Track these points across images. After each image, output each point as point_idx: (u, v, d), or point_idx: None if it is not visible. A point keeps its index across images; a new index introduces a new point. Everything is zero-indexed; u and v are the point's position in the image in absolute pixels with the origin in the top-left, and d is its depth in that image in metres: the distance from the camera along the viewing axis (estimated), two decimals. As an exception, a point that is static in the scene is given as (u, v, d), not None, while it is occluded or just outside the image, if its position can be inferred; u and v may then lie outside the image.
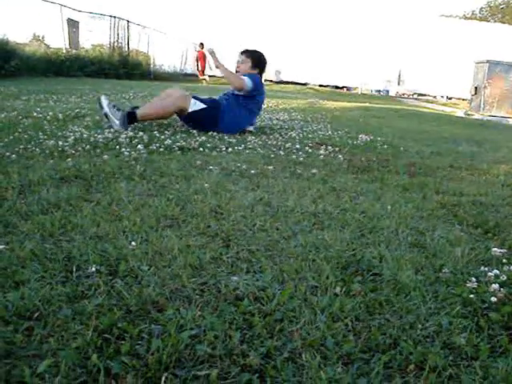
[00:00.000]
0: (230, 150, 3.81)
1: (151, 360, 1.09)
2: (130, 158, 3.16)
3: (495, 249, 1.92)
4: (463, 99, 22.72)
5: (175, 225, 2.01)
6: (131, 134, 3.95)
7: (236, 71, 4.99)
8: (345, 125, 6.75)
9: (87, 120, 4.71)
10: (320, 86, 25.32)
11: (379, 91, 25.86)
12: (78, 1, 18.75)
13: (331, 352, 1.19)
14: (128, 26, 20.94)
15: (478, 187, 3.20)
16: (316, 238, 1.95)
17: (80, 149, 3.31)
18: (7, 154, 2.97)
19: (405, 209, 2.50)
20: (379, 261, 1.76)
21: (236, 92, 4.85)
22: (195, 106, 4.59)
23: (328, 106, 11.32)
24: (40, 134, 3.72)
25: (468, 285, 1.59)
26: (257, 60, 5.05)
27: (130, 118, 4.31)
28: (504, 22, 37.71)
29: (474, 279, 1.62)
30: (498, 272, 1.68)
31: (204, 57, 20.78)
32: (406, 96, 25.82)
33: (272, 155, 3.76)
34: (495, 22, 41.97)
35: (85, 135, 3.78)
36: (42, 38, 18.57)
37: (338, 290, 1.50)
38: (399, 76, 26.63)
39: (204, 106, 4.64)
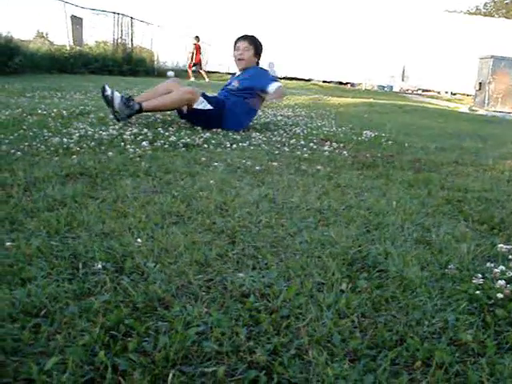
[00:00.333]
0: (234, 146, 3.81)
1: (158, 357, 1.09)
2: (135, 155, 3.16)
3: (501, 245, 1.92)
4: (467, 95, 22.65)
5: (181, 221, 2.01)
6: (136, 130, 3.96)
7: (239, 59, 4.91)
8: (349, 121, 6.75)
9: (91, 117, 4.71)
10: (324, 82, 25.28)
11: (383, 87, 25.79)
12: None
13: (338, 348, 1.19)
14: (131, 23, 20.96)
15: (483, 183, 3.19)
16: (321, 235, 1.95)
17: (85, 146, 3.31)
18: (12, 151, 2.98)
19: (410, 205, 2.50)
20: (385, 257, 1.76)
21: (239, 88, 4.80)
22: (202, 104, 4.56)
23: (332, 101, 11.30)
24: (45, 131, 3.73)
25: (474, 281, 1.59)
26: (258, 47, 4.98)
27: (133, 105, 4.38)
28: (508, 18, 37.59)
29: (480, 275, 1.61)
30: (504, 268, 1.67)
31: (199, 50, 20.75)
32: (410, 92, 25.77)
33: (277, 152, 3.76)
34: (500, 17, 41.83)
35: (89, 132, 3.79)
36: (46, 34, 18.63)
37: (344, 286, 1.50)
38: (403, 72, 26.59)
39: (210, 107, 4.59)
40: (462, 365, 1.17)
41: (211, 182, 2.63)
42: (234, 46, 4.98)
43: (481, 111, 14.29)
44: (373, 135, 5.14)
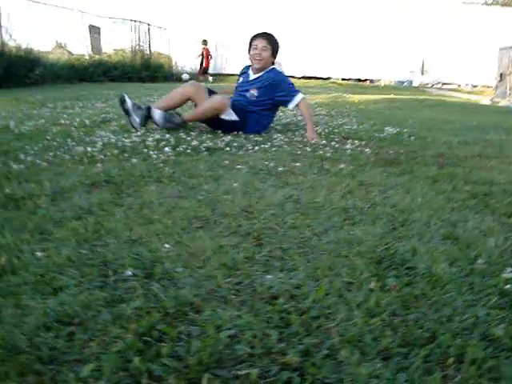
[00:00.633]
0: (256, 148, 3.82)
1: (192, 361, 1.11)
2: (159, 161, 3.19)
3: (530, 238, 1.90)
4: (488, 86, 22.41)
5: (207, 225, 2.02)
6: (158, 136, 3.98)
7: (256, 59, 4.68)
8: (370, 118, 6.71)
9: (114, 124, 4.75)
10: (343, 79, 25.19)
11: (402, 82, 25.63)
12: (99, 7, 18.96)
13: (369, 348, 1.19)
14: (149, 30, 21.09)
15: (509, 175, 3.16)
16: (348, 234, 1.95)
17: (108, 153, 3.35)
18: (38, 162, 3.02)
19: (435, 200, 2.49)
20: (412, 254, 1.75)
21: (258, 98, 4.67)
22: (229, 115, 4.53)
23: (352, 99, 11.26)
24: (68, 140, 3.77)
25: (503, 275, 1.58)
26: (276, 46, 4.78)
27: (176, 120, 4.52)
28: (527, 6, 37.09)
29: (509, 269, 1.61)
30: (533, 261, 1.66)
31: (208, 54, 20.80)
32: (430, 86, 25.57)
33: (299, 152, 3.76)
34: (518, 6, 41.29)
35: (112, 140, 3.83)
36: (65, 45, 18.80)
37: (372, 285, 1.50)
38: (422, 66, 26.39)
39: (237, 118, 4.55)
40: (495, 360, 1.17)
41: (235, 184, 2.64)
42: (250, 44, 4.76)
43: (503, 102, 14.14)
44: (394, 131, 5.11)
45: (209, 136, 4.26)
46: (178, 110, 4.78)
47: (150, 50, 21.06)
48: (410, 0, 25.68)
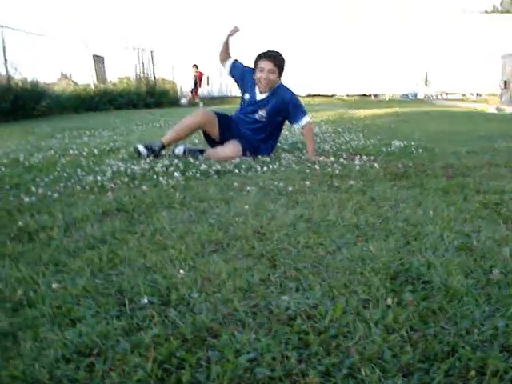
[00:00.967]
0: (265, 168, 3.83)
1: (213, 387, 1.11)
2: (169, 187, 3.20)
3: (544, 245, 1.89)
4: (493, 94, 22.39)
5: (220, 249, 2.03)
6: (166, 162, 4.00)
7: (263, 83, 4.51)
8: (377, 132, 6.72)
9: (122, 152, 4.78)
10: (347, 95, 25.25)
11: (407, 95, 25.64)
12: (102, 36, 19.18)
13: (390, 364, 1.19)
14: (152, 57, 21.28)
15: (519, 183, 3.15)
16: (361, 250, 1.95)
17: (119, 182, 3.37)
18: (49, 193, 3.05)
19: (447, 212, 2.48)
20: (427, 268, 1.75)
21: (266, 118, 4.59)
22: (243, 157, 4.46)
23: (357, 114, 11.27)
24: (78, 170, 3.80)
25: (521, 285, 1.57)
26: (282, 66, 4.60)
27: (197, 154, 4.51)
28: (527, 13, 37.16)
29: (526, 278, 1.60)
30: (550, 269, 1.65)
31: (201, 78, 21.05)
32: (434, 97, 25.57)
33: (307, 170, 3.76)
34: (518, 13, 41.39)
35: (122, 168, 3.85)
36: (70, 75, 19.03)
37: (389, 301, 1.49)
38: (426, 77, 26.40)
39: (248, 157, 4.44)
40: (517, 371, 1.16)
41: (246, 206, 2.64)
42: (256, 65, 4.54)
43: (508, 110, 14.10)
44: (402, 145, 5.11)
45: (217, 159, 4.27)
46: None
47: (155, 77, 21.22)
48: (410, 12, 25.78)
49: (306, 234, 2.18)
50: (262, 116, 4.60)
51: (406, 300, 1.50)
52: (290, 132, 6.62)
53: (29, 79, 12.77)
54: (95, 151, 4.92)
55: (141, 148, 4.42)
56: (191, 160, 4.14)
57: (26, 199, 2.90)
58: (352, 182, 3.25)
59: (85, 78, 18.42)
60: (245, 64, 4.82)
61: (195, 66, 20.97)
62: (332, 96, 24.99)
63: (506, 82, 16.07)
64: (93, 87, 17.14)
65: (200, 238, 2.13)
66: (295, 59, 20.29)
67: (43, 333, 1.37)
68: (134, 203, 2.78)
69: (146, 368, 1.18)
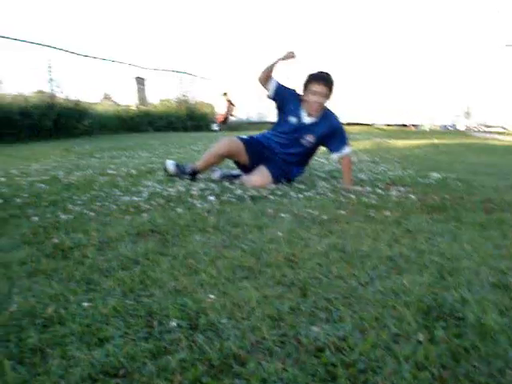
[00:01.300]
0: (300, 196, 3.82)
1: (237, 416, 1.09)
2: (203, 210, 3.21)
3: None
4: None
5: (251, 275, 2.02)
6: (202, 185, 4.03)
7: (315, 107, 4.42)
8: (414, 163, 6.66)
9: (159, 174, 4.82)
10: (386, 125, 25.17)
11: (447, 126, 25.43)
12: (145, 59, 19.54)
13: (419, 403, 1.16)
14: (193, 80, 21.55)
15: (560, 221, 3.08)
16: (394, 283, 1.91)
17: (154, 203, 3.39)
18: (85, 212, 3.09)
19: (484, 248, 2.43)
20: (462, 304, 1.71)
21: (312, 144, 4.54)
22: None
23: (396, 144, 11.20)
24: (115, 190, 3.85)
25: (558, 325, 1.52)
26: (333, 89, 4.49)
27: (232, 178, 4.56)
28: None
29: None
30: None
31: (230, 105, 21.20)
32: (474, 129, 25.31)
33: (343, 199, 3.74)
34: None
35: (158, 189, 3.88)
36: (111, 96, 19.39)
37: (421, 336, 1.46)
38: (467, 109, 26.19)
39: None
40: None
41: (279, 233, 2.63)
42: (307, 87, 4.45)
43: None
44: (440, 177, 5.05)
45: (253, 184, 4.28)
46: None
47: (195, 100, 21.45)
48: (454, 43, 25.68)
49: (338, 264, 2.16)
50: (309, 141, 4.52)
51: (438, 336, 1.47)
52: (326, 160, 6.60)
53: (72, 98, 13.02)
54: (133, 172, 4.98)
55: (169, 163, 4.49)
56: (227, 184, 4.16)
57: (63, 216, 2.94)
58: (388, 213, 3.21)
59: (126, 99, 18.74)
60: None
61: (225, 94, 21.10)
62: (371, 125, 24.93)
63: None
64: (135, 108, 17.38)
65: (232, 264, 2.13)
66: (337, 87, 20.41)
67: (71, 351, 1.38)
68: (168, 225, 2.79)
69: (171, 393, 1.17)
